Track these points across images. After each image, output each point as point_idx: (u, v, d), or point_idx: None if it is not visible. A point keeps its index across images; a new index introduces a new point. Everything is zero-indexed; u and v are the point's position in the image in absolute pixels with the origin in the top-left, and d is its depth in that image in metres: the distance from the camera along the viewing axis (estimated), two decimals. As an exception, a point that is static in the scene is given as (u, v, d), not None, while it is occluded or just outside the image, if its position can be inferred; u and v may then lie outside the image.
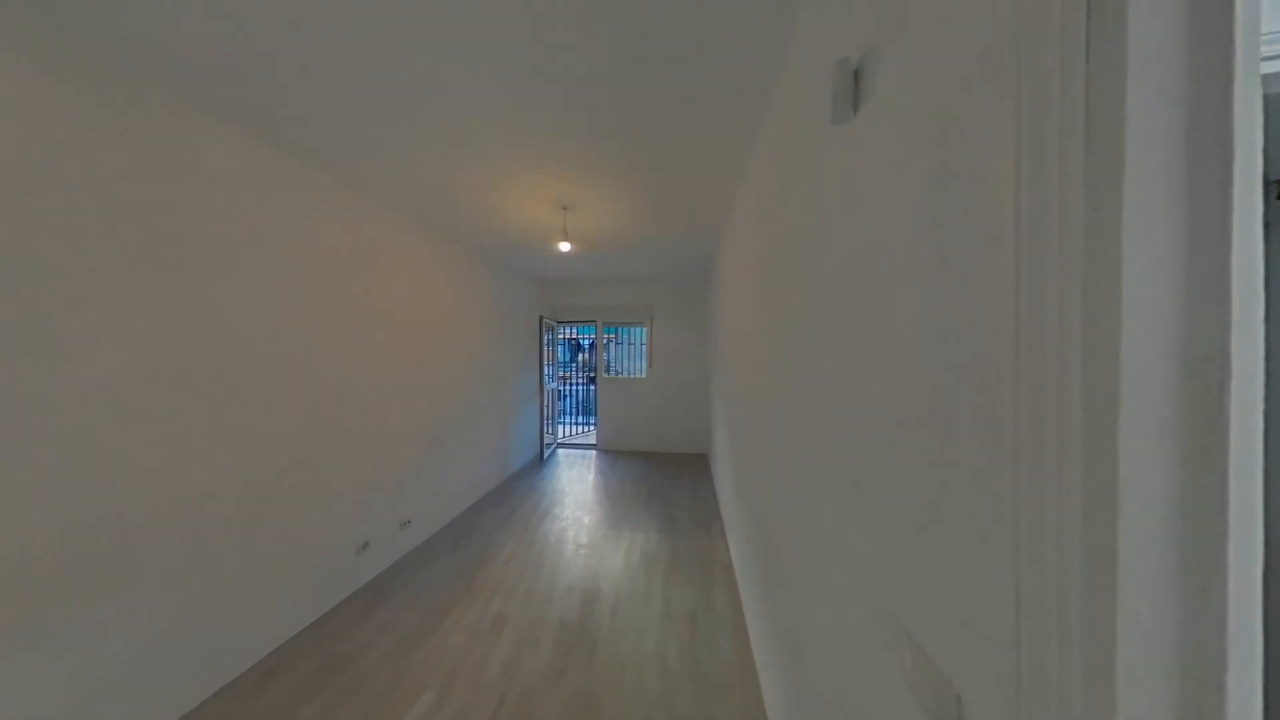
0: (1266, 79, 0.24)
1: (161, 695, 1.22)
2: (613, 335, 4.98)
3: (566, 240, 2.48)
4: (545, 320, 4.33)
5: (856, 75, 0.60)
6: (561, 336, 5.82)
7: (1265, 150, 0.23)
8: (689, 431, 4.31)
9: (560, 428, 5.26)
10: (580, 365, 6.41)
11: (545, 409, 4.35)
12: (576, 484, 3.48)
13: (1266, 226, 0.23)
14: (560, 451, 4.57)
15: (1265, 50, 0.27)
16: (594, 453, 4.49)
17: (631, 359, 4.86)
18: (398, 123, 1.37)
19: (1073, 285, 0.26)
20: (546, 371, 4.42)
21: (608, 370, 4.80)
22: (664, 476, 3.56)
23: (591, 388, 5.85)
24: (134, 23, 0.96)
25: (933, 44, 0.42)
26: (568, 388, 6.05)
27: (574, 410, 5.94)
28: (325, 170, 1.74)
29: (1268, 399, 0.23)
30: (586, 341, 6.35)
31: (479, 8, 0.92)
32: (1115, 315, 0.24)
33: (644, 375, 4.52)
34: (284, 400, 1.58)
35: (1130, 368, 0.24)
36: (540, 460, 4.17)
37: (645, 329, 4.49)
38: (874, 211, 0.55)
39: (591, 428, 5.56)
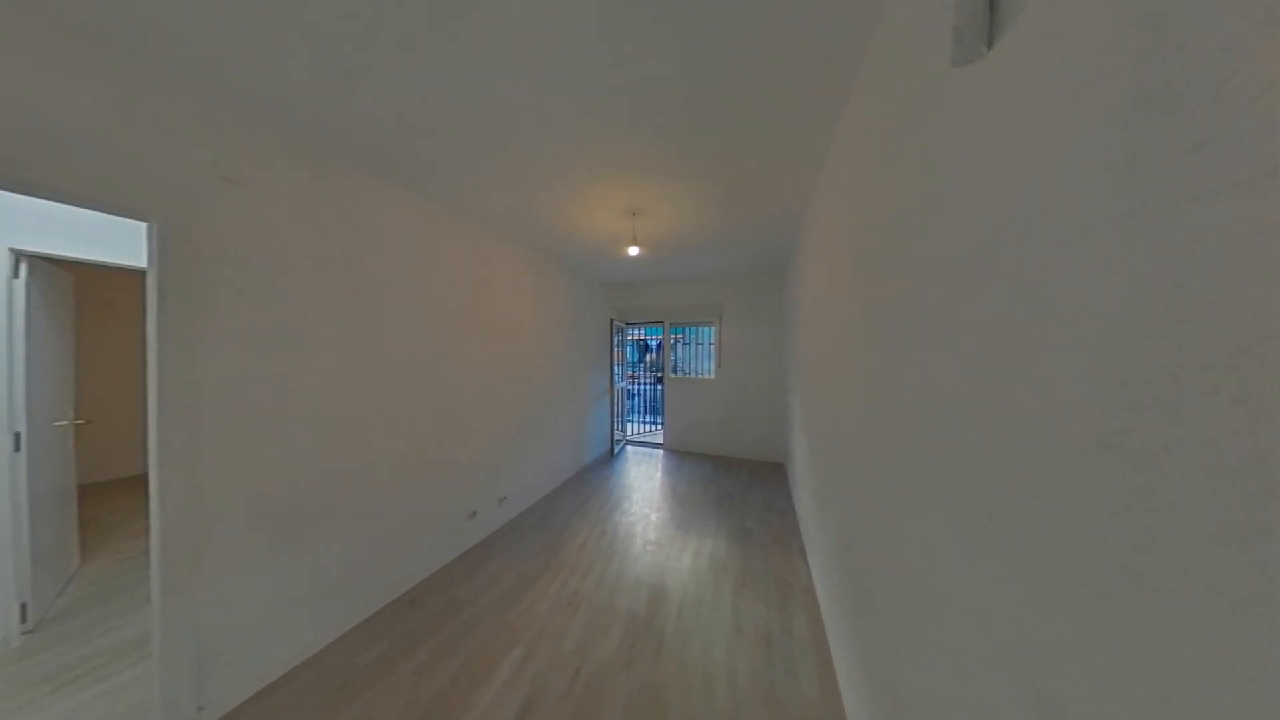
0: None
1: (354, 600, 1.66)
2: (680, 335, 4.94)
3: (635, 245, 2.53)
4: (615, 322, 4.50)
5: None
6: (630, 337, 5.99)
7: None
8: (763, 437, 4.03)
9: (629, 425, 5.40)
10: (648, 365, 6.51)
11: (615, 407, 4.51)
12: (644, 481, 3.53)
13: None
14: (629, 448, 4.69)
15: None
16: (661, 452, 4.51)
17: (699, 359, 4.75)
18: (496, 159, 1.61)
19: None
20: (616, 371, 4.58)
21: (674, 370, 4.77)
22: (734, 482, 3.39)
23: (659, 387, 5.89)
24: (339, 118, 1.34)
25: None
26: (635, 387, 6.19)
27: (642, 409, 6.06)
28: (445, 207, 2.10)
29: None
30: (654, 342, 6.42)
31: (560, 39, 0.99)
32: None
33: (712, 376, 4.38)
34: (421, 392, 1.97)
35: None
36: (611, 455, 4.34)
37: (714, 328, 4.34)
38: (1023, 166, 0.43)
39: (659, 427, 5.59)
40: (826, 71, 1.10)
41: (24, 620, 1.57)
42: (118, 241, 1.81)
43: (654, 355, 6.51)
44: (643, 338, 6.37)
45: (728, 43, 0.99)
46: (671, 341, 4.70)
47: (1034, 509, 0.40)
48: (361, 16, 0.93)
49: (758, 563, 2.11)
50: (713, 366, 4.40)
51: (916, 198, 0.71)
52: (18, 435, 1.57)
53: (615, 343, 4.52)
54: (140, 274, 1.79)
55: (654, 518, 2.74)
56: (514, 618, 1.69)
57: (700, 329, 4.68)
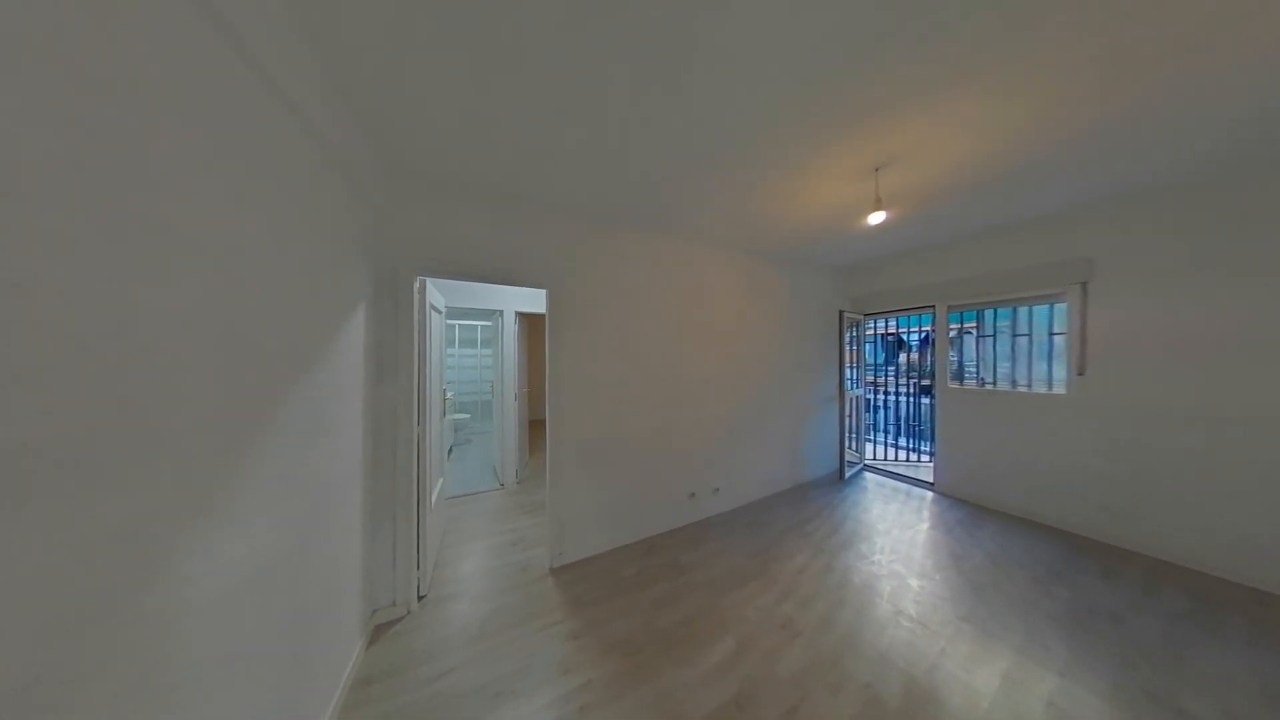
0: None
1: (620, 529, 2.35)
2: (969, 323, 3.24)
3: (880, 209, 1.81)
4: (846, 315, 3.53)
5: None
6: (872, 331, 4.59)
7: None
8: (1254, 537, 1.83)
9: (869, 446, 4.13)
10: (903, 368, 4.73)
11: (848, 420, 3.54)
12: (895, 527, 2.51)
13: None
14: (869, 476, 3.55)
15: None
16: (929, 494, 3.11)
17: (1018, 360, 2.92)
18: (710, 179, 1.79)
19: None
20: (849, 375, 3.59)
21: (957, 377, 3.18)
22: (1132, 600, 1.72)
23: (924, 400, 4.16)
24: (613, 195, 1.97)
25: None
26: (882, 396, 4.67)
27: (891, 428, 4.49)
28: (671, 233, 2.55)
29: None
30: (914, 336, 4.60)
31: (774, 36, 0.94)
32: None
33: (1062, 389, 2.56)
34: (658, 386, 2.51)
35: None
36: (840, 479, 3.42)
37: (1063, 305, 2.53)
38: None
39: (923, 456, 3.95)
40: None
41: (517, 476, 3.42)
42: (534, 301, 3.42)
43: (913, 355, 4.69)
44: (894, 331, 4.74)
45: None
46: (952, 333, 3.16)
47: None
48: (624, 111, 1.24)
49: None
50: (1062, 372, 2.59)
51: None
52: (516, 394, 3.38)
53: (849, 339, 3.55)
54: (543, 316, 3.14)
55: (915, 584, 1.87)
56: (725, 606, 1.76)
57: (1020, 310, 2.87)
